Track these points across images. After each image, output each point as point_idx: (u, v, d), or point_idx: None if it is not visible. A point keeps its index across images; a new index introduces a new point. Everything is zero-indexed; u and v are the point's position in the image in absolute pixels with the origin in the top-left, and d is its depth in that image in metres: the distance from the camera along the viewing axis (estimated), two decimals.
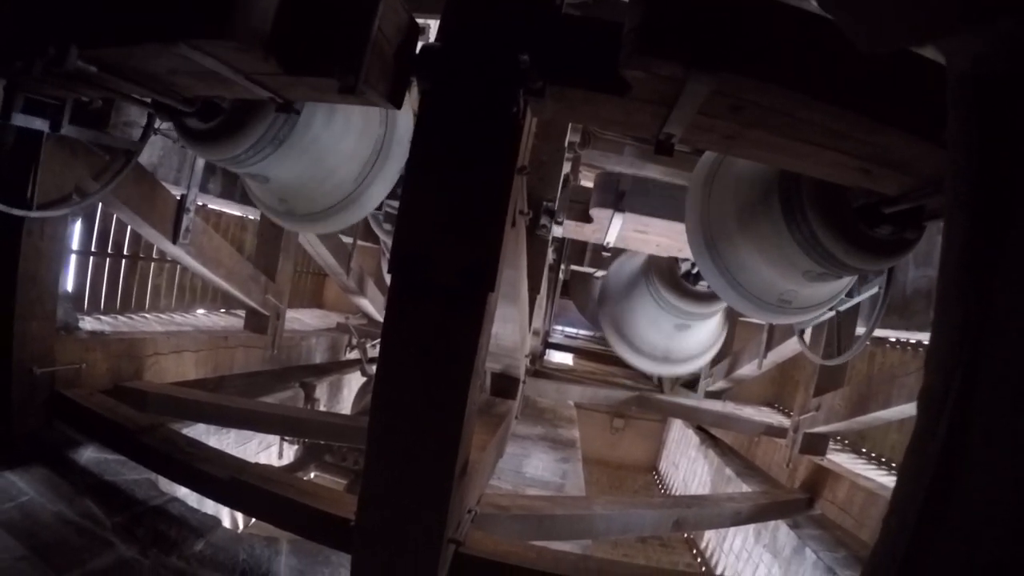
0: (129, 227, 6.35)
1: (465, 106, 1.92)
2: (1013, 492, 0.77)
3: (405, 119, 3.41)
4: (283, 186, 3.31)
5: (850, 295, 3.48)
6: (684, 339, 6.26)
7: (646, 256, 5.80)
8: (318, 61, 1.93)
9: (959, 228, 0.87)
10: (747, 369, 7.38)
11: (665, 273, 5.47)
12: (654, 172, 4.86)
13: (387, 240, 4.39)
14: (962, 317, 0.84)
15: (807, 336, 4.93)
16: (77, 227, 6.00)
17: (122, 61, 2.11)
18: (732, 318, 6.99)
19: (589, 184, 5.45)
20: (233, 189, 6.50)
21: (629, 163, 4.99)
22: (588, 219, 5.06)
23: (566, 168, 4.45)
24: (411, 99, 3.44)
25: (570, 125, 4.20)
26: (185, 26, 1.79)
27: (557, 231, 4.02)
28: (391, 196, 3.65)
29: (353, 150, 3.22)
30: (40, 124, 3.02)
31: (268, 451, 7.05)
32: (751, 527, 6.47)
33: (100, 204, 5.01)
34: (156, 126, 3.54)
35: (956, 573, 0.81)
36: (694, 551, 9.28)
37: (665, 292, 5.48)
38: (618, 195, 4.66)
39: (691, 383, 9.32)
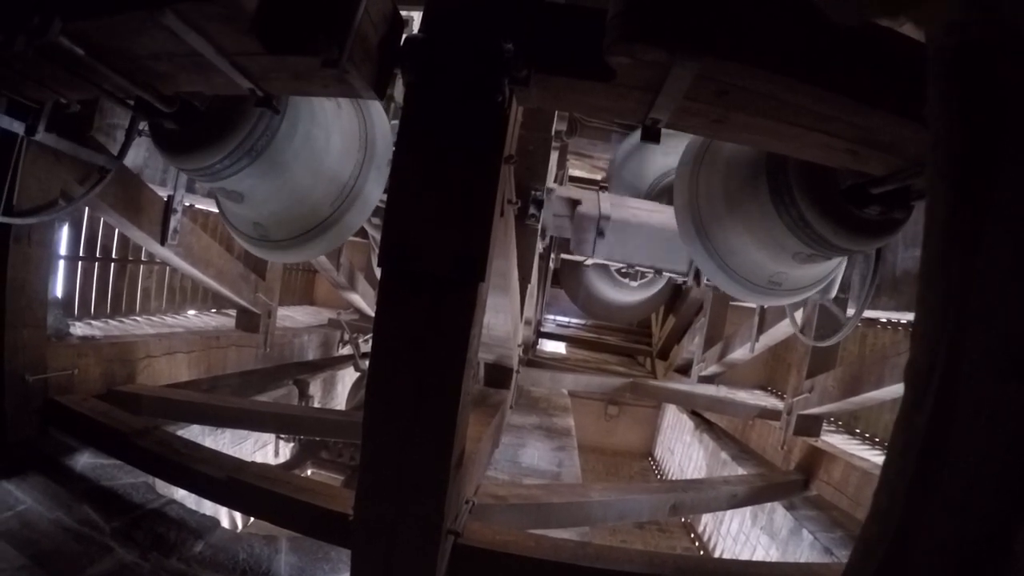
0: (117, 230, 6.32)
1: (450, 96, 1.92)
2: (1002, 462, 0.78)
3: (384, 143, 3.38)
4: (258, 206, 3.24)
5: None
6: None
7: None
8: (302, 38, 1.91)
9: (941, 200, 0.88)
10: (739, 353, 7.41)
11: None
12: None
13: (376, 234, 4.36)
14: (946, 289, 0.85)
15: (799, 318, 4.95)
16: (64, 232, 5.96)
17: (105, 40, 2.08)
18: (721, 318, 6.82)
19: (577, 172, 5.45)
20: None
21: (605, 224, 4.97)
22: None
23: (554, 156, 4.45)
24: (392, 112, 3.44)
25: (556, 113, 4.19)
26: None
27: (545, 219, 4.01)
28: None
29: (331, 171, 3.18)
30: (18, 127, 2.99)
31: (264, 450, 7.05)
32: (748, 510, 6.51)
33: (87, 208, 4.98)
34: (139, 129, 3.51)
35: (947, 545, 0.81)
36: (692, 535, 9.34)
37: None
38: (598, 233, 4.63)
39: (684, 368, 9.36)
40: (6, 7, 1.96)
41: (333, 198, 3.26)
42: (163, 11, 1.77)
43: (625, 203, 5.13)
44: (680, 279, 5.42)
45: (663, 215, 4.91)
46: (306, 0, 1.91)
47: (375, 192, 3.38)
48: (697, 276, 5.21)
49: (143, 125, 3.44)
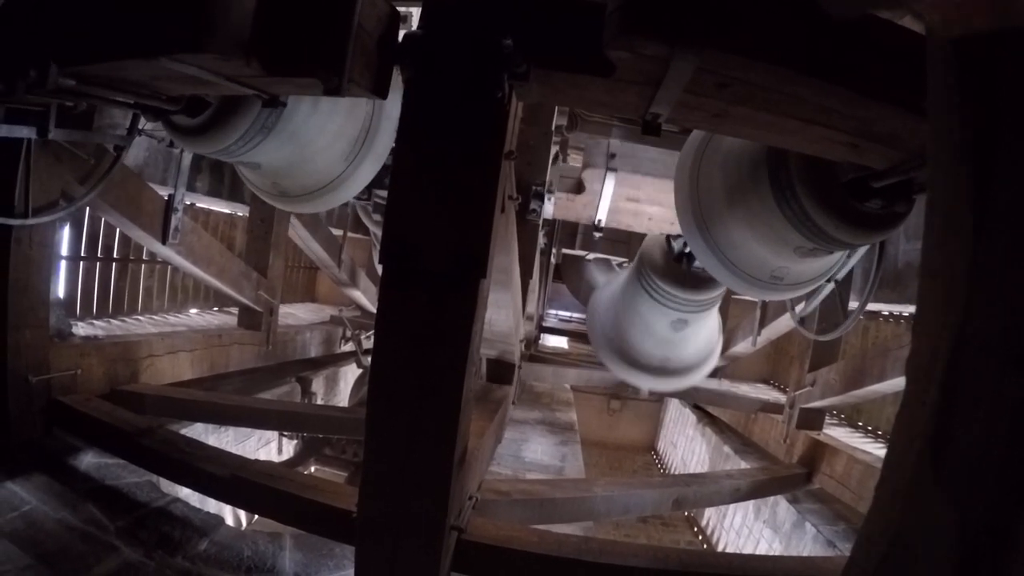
0: (118, 230, 6.32)
1: (450, 93, 1.91)
2: (1003, 454, 0.78)
3: (393, 94, 3.39)
4: (275, 170, 3.29)
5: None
6: (682, 343, 5.66)
7: (633, 266, 5.65)
8: (300, 62, 1.91)
9: (942, 192, 0.88)
10: (742, 346, 7.41)
11: (657, 260, 5.05)
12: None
13: (377, 231, 4.37)
14: (947, 281, 0.84)
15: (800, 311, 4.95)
16: (66, 232, 5.97)
17: (103, 74, 2.09)
18: (724, 311, 6.96)
19: (577, 167, 5.46)
20: (220, 187, 6.47)
21: (616, 145, 5.01)
22: (579, 189, 5.06)
23: (554, 150, 4.45)
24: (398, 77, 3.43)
25: (556, 108, 4.19)
26: (165, 41, 1.76)
27: (548, 208, 4.01)
28: (380, 186, 3.63)
29: (341, 129, 3.18)
30: (26, 132, 2.99)
31: (267, 447, 7.06)
32: (751, 503, 6.52)
33: (88, 208, 4.99)
34: (140, 126, 3.52)
35: (948, 538, 0.81)
36: (695, 529, 9.36)
37: (659, 279, 5.04)
38: (609, 156, 4.68)
39: None
40: (5, 58, 1.97)
41: (347, 153, 3.29)
42: (158, 59, 1.78)
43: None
44: None
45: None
46: (299, 26, 1.89)
47: (387, 144, 3.39)
48: None
49: (145, 124, 3.46)
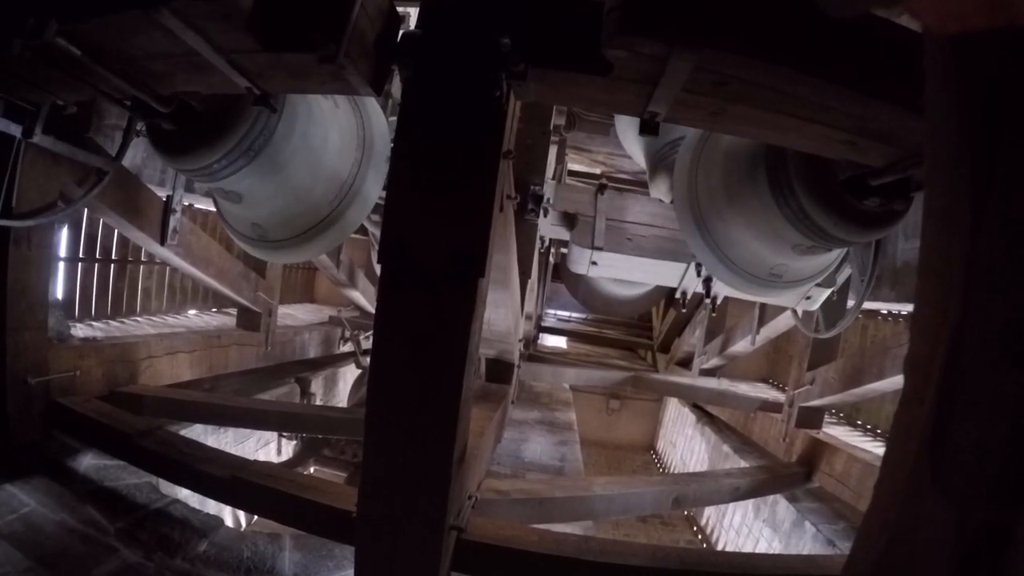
0: (116, 231, 6.31)
1: (448, 92, 1.91)
2: (1002, 452, 0.78)
3: (382, 141, 3.36)
4: (256, 206, 3.22)
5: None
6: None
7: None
8: (298, 34, 1.91)
9: (939, 190, 0.88)
10: (741, 345, 7.41)
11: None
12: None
13: (375, 231, 4.36)
14: (945, 279, 0.84)
15: (799, 310, 4.95)
16: (64, 233, 5.95)
17: (102, 40, 2.07)
18: (724, 310, 6.83)
19: (576, 166, 5.47)
20: None
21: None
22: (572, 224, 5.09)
23: (552, 153, 4.45)
24: (391, 109, 3.41)
25: (554, 108, 4.19)
26: None
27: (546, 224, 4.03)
28: None
29: (330, 169, 3.16)
30: (15, 130, 2.98)
31: (266, 448, 7.05)
32: (750, 502, 6.52)
33: (86, 209, 4.98)
34: (137, 130, 3.50)
35: (947, 537, 0.81)
36: (695, 528, 9.35)
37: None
38: (595, 246, 4.70)
39: (685, 361, 9.35)
40: (2, 9, 1.96)
41: (331, 197, 3.24)
42: (159, 10, 1.77)
43: (624, 212, 5.12)
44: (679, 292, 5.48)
45: (660, 230, 4.97)
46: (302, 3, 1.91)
47: (374, 190, 3.36)
48: (684, 295, 5.36)
49: (141, 126, 3.44)
